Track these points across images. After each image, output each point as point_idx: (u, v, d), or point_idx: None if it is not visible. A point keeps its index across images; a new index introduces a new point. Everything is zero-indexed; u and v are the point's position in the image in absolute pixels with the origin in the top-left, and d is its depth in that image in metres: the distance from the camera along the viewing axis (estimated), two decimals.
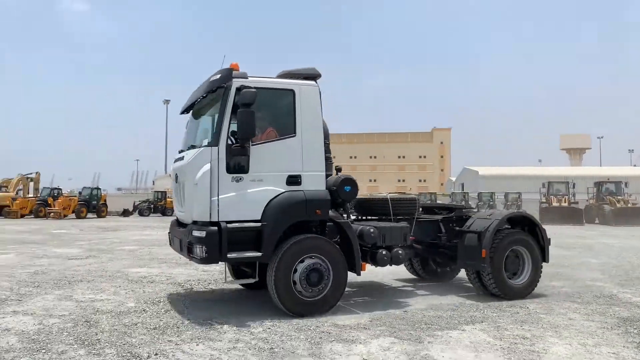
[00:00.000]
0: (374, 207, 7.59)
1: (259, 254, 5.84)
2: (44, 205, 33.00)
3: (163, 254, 12.02)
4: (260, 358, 4.51)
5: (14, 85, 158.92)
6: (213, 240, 5.69)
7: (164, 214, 37.95)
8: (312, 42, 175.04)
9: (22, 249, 13.35)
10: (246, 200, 5.96)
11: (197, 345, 4.85)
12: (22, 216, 32.59)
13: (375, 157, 76.38)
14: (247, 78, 6.10)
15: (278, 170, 6.18)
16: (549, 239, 7.54)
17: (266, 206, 5.99)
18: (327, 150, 6.79)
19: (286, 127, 6.31)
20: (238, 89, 5.88)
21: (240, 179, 5.97)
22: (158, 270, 9.59)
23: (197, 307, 6.59)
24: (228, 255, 5.74)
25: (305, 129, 6.34)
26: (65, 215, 31.89)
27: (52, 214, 31.78)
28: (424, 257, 8.35)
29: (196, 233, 5.80)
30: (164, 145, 53.45)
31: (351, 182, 6.56)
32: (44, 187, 38.17)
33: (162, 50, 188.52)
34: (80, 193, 36.77)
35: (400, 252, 6.72)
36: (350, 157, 74.84)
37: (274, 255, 5.88)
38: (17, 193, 35.97)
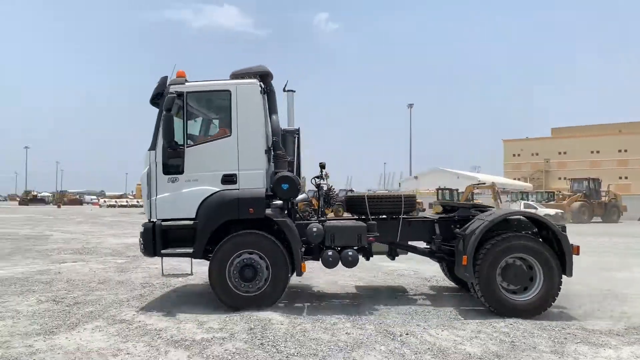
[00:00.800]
0: (354, 205, 7.11)
1: (190, 250, 6.11)
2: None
3: None
4: (501, 349, 4.85)
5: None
6: (148, 237, 6.14)
7: None
8: None
9: None
10: (181, 199, 6.20)
11: (442, 331, 5.44)
12: None
13: (625, 151, 63.77)
14: (183, 84, 6.34)
15: (213, 169, 6.28)
16: (575, 246, 6.16)
17: (200, 205, 6.17)
18: (277, 147, 6.58)
19: (226, 126, 6.42)
20: (175, 95, 6.15)
21: (175, 179, 6.25)
22: (406, 265, 10.49)
23: (442, 298, 7.20)
24: (162, 251, 6.16)
25: (241, 127, 6.30)
26: None
27: None
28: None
29: (141, 229, 6.31)
30: (408, 147, 55.91)
31: (288, 180, 6.31)
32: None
33: (400, 57, 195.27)
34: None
35: (350, 253, 6.32)
36: (592, 152, 64.56)
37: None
38: None
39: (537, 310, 5.99)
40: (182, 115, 6.41)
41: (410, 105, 56.45)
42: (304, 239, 6.42)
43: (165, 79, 6.51)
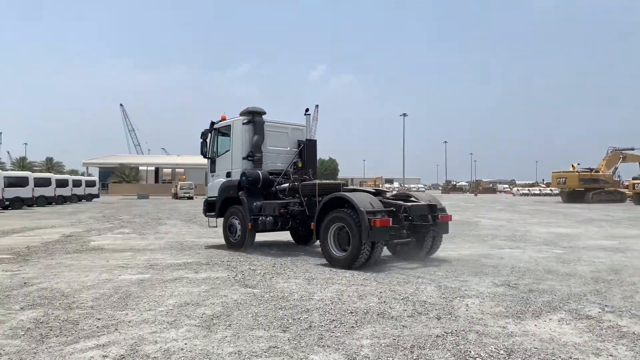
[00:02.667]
0: (300, 190, 10.01)
1: (214, 213, 11.53)
2: None
3: None
4: None
5: None
6: (204, 206, 12.04)
7: None
8: None
9: None
10: (213, 186, 11.66)
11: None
12: None
13: None
14: (217, 123, 11.59)
15: (224, 169, 11.42)
16: (369, 219, 7.77)
17: (218, 189, 11.35)
18: (252, 155, 10.78)
19: (230, 144, 11.30)
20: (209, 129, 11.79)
21: (213, 175, 11.84)
22: None
23: None
24: (206, 214, 12.03)
25: (234, 146, 11.14)
26: None
27: None
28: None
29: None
30: None
31: (245, 174, 10.33)
32: None
33: None
34: None
35: (268, 219, 10.06)
36: None
37: None
38: None
39: (348, 263, 8.14)
40: (216, 139, 11.78)
41: None
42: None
43: (212, 122, 11.76)
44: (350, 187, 10.32)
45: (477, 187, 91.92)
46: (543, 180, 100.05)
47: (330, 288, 6.72)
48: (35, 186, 32.34)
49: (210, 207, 11.69)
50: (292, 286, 6.84)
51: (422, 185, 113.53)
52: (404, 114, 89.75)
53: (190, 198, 51.78)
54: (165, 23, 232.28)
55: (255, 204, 10.29)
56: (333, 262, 8.43)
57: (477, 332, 4.76)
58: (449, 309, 5.64)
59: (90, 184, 45.69)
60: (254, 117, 10.81)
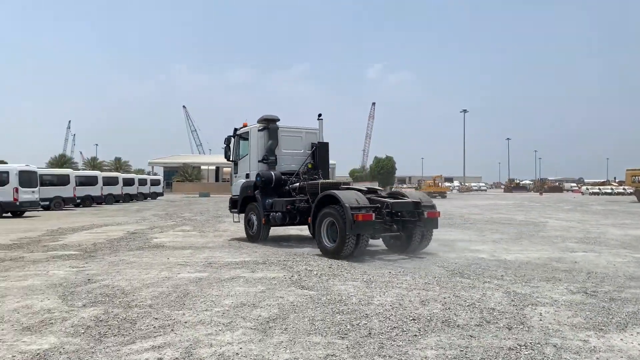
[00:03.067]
0: (306, 189, 10.94)
1: (236, 210, 12.85)
2: None
3: None
4: None
5: None
6: (229, 203, 13.60)
7: None
8: None
9: None
10: (236, 185, 13.03)
11: None
12: None
13: None
14: (239, 129, 13.02)
15: (244, 171, 12.71)
16: (352, 214, 8.76)
17: (239, 188, 12.71)
18: (266, 158, 12.00)
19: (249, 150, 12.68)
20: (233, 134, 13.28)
21: (235, 176, 13.37)
22: None
23: None
24: (231, 210, 13.48)
25: (252, 150, 12.40)
26: None
27: None
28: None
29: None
30: None
31: (259, 175, 11.54)
32: None
33: None
34: None
35: (277, 215, 11.16)
36: None
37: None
38: None
39: (336, 252, 9.17)
40: (238, 144, 13.20)
41: None
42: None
43: (234, 129, 13.11)
44: (346, 186, 11.06)
45: (542, 186, 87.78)
46: (615, 178, 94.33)
47: (390, 292, 6.42)
48: (103, 185, 33.89)
49: (234, 205, 13.14)
50: (350, 289, 6.60)
51: (483, 184, 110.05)
52: (464, 110, 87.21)
53: None
54: (228, 24, 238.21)
55: (268, 201, 11.47)
56: (325, 252, 9.55)
57: (554, 346, 4.32)
58: (520, 318, 5.21)
59: (155, 182, 47.34)
60: (268, 124, 12.07)
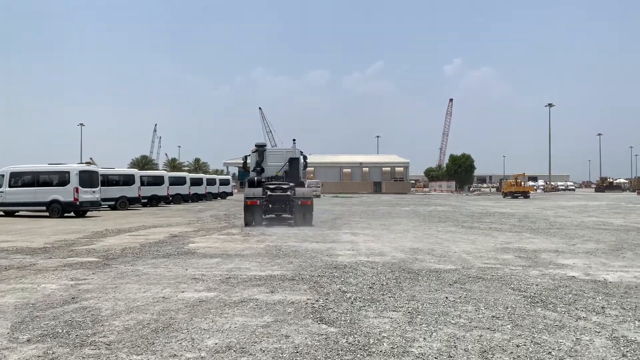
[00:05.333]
0: (262, 186, 17.32)
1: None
2: None
3: None
4: None
5: None
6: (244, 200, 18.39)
7: None
8: None
9: None
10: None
11: None
12: None
13: None
14: (251, 150, 19.35)
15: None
16: (245, 200, 16.73)
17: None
18: (255, 169, 18.67)
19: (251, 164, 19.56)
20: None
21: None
22: None
23: None
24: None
25: (251, 164, 19.18)
26: None
27: None
28: None
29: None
30: None
31: (247, 178, 19.20)
32: None
33: None
34: None
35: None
36: None
37: None
38: None
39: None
40: (250, 159, 19.67)
41: None
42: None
43: (256, 145, 19.24)
44: (275, 183, 17.27)
45: (639, 185, 79.50)
46: None
47: (439, 332, 4.62)
48: (170, 184, 34.00)
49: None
50: (385, 325, 4.86)
51: (571, 183, 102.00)
52: (550, 104, 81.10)
53: (317, 196, 51.46)
54: (304, 28, 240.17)
55: (250, 190, 17.12)
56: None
57: None
58: None
59: (224, 182, 47.44)
60: (257, 148, 18.81)
